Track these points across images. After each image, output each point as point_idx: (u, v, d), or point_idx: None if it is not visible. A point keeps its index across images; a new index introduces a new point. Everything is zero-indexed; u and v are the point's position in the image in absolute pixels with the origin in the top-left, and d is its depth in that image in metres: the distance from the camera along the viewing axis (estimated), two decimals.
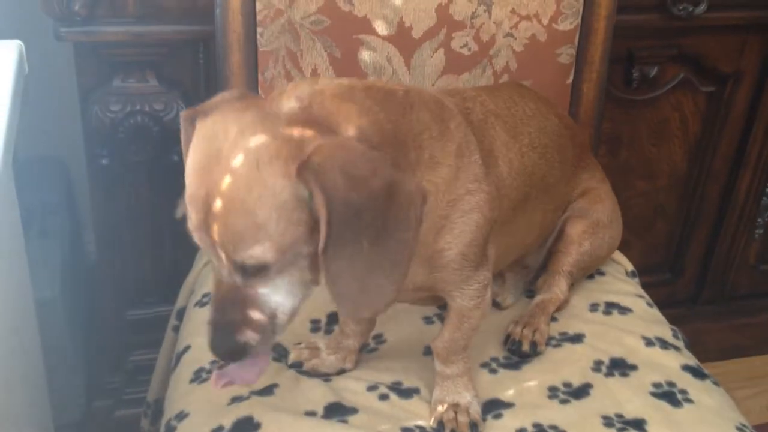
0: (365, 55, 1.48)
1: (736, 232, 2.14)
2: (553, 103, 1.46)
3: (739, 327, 2.25)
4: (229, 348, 0.95)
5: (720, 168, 2.04)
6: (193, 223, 0.94)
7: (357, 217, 0.87)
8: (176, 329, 1.54)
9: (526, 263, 1.47)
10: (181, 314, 1.53)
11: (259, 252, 0.89)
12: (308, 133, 0.90)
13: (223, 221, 0.89)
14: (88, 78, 1.63)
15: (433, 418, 1.20)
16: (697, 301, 2.22)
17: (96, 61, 1.62)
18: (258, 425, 1.15)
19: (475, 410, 1.20)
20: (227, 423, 1.15)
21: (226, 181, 0.88)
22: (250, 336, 0.95)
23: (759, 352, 2.27)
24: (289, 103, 0.94)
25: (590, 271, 1.49)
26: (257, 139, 0.89)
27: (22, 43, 1.34)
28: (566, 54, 1.54)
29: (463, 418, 1.19)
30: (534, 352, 1.33)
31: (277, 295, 0.95)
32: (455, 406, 1.20)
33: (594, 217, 1.42)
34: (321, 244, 0.88)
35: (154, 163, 1.70)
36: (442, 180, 1.07)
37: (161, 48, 1.63)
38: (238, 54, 1.48)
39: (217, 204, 0.89)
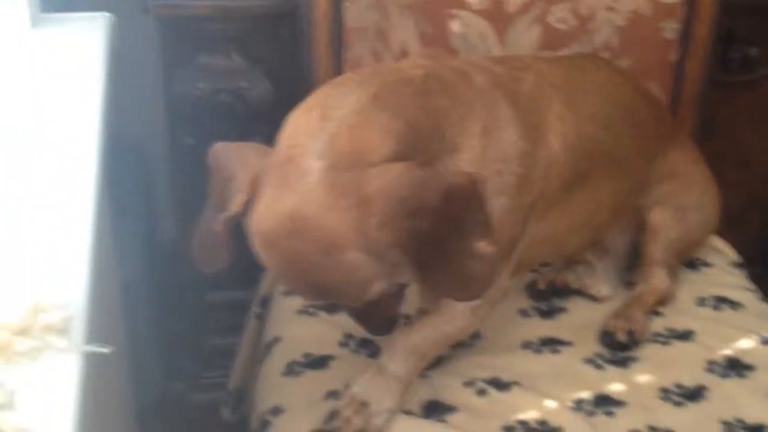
0: (457, 31, 1.41)
1: None
2: (635, 76, 1.39)
3: None
4: (385, 331, 1.08)
5: None
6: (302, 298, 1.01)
7: (431, 236, 0.88)
8: (260, 317, 1.50)
9: (607, 248, 1.39)
10: (264, 302, 1.49)
11: (373, 290, 0.93)
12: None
13: (335, 293, 0.96)
14: (173, 54, 1.59)
15: (331, 407, 1.10)
16: None
17: (180, 36, 1.57)
18: None
19: (379, 424, 1.08)
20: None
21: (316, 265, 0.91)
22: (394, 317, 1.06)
23: None
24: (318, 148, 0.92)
25: (688, 257, 1.42)
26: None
27: (112, 16, 1.30)
28: (670, 29, 1.46)
29: (357, 421, 1.07)
30: (633, 342, 1.26)
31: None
32: (362, 405, 1.08)
33: (679, 201, 1.35)
34: (409, 275, 0.93)
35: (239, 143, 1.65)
36: (466, 163, 1.02)
37: (245, 23, 1.58)
38: (324, 30, 1.43)
39: (321, 286, 0.94)
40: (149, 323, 1.77)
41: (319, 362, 1.22)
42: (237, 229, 1.74)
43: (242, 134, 1.65)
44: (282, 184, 0.92)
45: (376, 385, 1.10)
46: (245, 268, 1.76)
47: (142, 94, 1.81)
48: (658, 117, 1.35)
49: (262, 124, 1.65)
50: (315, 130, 0.94)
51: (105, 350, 0.78)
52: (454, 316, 1.10)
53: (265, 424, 1.14)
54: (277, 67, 1.63)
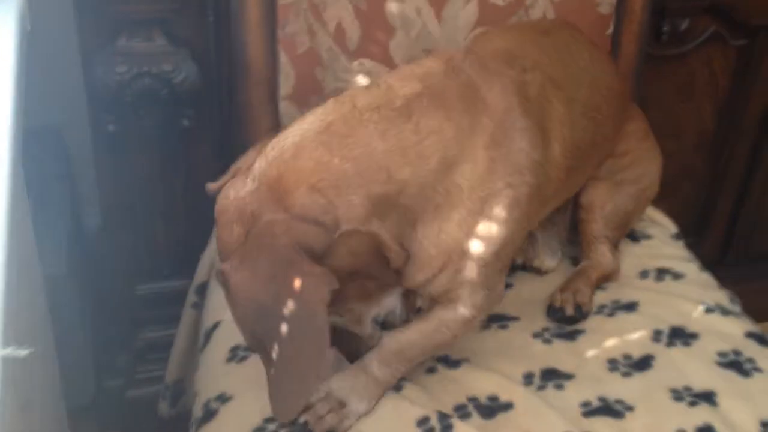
0: (393, 7, 1.38)
1: (763, 192, 2.07)
2: (600, 46, 1.37)
3: (763, 289, 2.18)
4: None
5: (749, 126, 1.96)
6: None
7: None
8: (196, 306, 1.45)
9: (548, 220, 1.38)
10: (201, 290, 1.44)
11: None
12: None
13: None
14: (91, 38, 1.51)
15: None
16: (721, 264, 2.15)
17: (98, 18, 1.50)
18: None
19: (347, 426, 1.05)
20: None
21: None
22: None
23: None
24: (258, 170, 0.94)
25: (627, 228, 1.41)
26: None
27: None
28: (606, 3, 1.45)
29: (330, 420, 1.04)
30: (580, 315, 1.25)
31: None
32: (339, 404, 1.06)
33: (618, 176, 1.34)
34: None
35: (164, 128, 1.59)
36: (466, 179, 1.00)
37: (168, 3, 1.52)
38: (256, 8, 1.37)
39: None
40: (78, 319, 1.70)
41: None
42: (167, 213, 1.69)
43: (167, 120, 1.59)
44: (234, 185, 0.96)
45: (356, 386, 1.07)
46: (178, 257, 1.72)
47: (60, 80, 1.74)
48: (623, 92, 1.35)
49: (189, 108, 1.59)
50: (268, 148, 0.95)
51: (23, 353, 0.72)
52: (447, 325, 1.07)
53: (211, 412, 1.09)
54: (203, 50, 1.57)
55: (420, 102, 0.99)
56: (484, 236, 1.02)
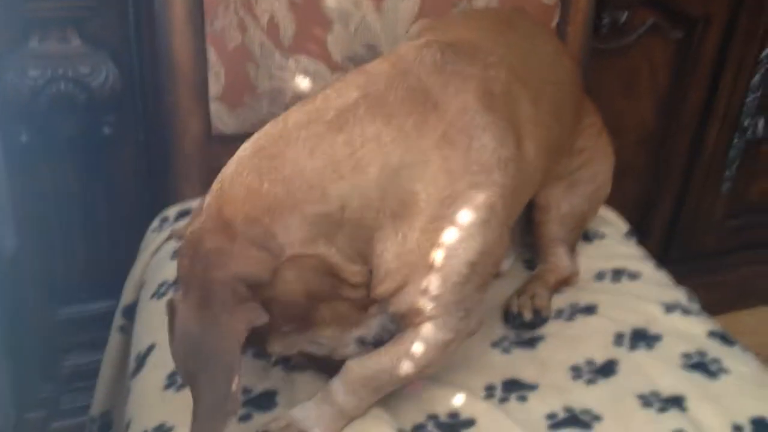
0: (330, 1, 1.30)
1: (704, 187, 2.05)
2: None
3: (705, 285, 2.15)
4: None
5: (689, 120, 1.94)
6: None
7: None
8: (123, 329, 1.34)
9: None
10: (129, 311, 1.33)
11: None
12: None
13: None
14: (0, 39, 1.39)
15: (263, 425, 0.99)
16: (663, 262, 2.12)
17: (7, 18, 1.38)
18: None
19: None
20: None
21: None
22: None
23: (725, 310, 2.20)
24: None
25: (582, 230, 1.35)
26: None
27: None
28: None
29: None
30: (539, 320, 1.19)
31: None
32: None
33: (574, 176, 1.28)
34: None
35: (83, 138, 1.48)
36: (419, 183, 0.92)
37: (84, 0, 1.41)
38: (181, 3, 1.28)
39: None
40: None
41: None
42: (88, 230, 1.58)
43: (86, 128, 1.48)
44: (192, 218, 0.94)
45: (320, 416, 0.98)
46: (102, 277, 1.60)
47: None
48: (580, 85, 1.28)
49: (109, 114, 1.49)
50: (215, 181, 0.93)
51: None
52: (420, 350, 0.97)
53: None
54: (123, 50, 1.47)
55: (355, 111, 0.92)
56: (453, 246, 0.93)
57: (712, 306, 2.23)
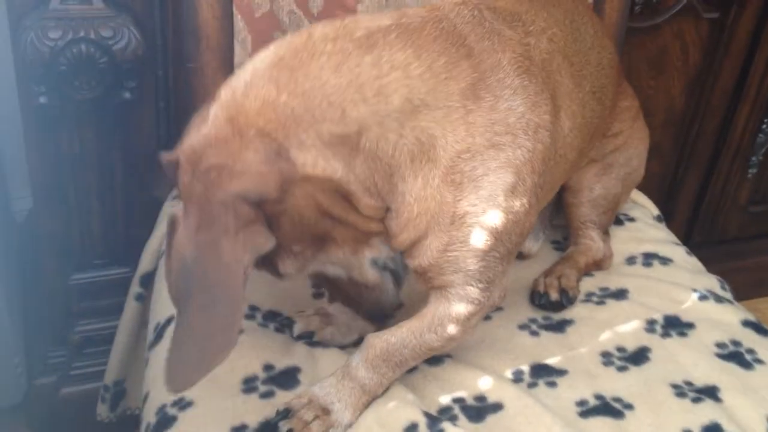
0: None
1: (730, 171, 2.01)
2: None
3: (727, 271, 2.13)
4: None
5: (718, 102, 1.90)
6: None
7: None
8: (140, 297, 1.32)
9: None
10: (146, 280, 1.31)
11: None
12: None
13: None
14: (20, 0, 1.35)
15: (285, 404, 0.96)
16: (686, 245, 2.09)
17: None
18: None
19: None
20: (252, 421, 0.93)
21: None
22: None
23: (747, 296, 2.17)
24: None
25: (615, 213, 1.32)
26: None
27: None
28: None
29: (317, 429, 0.94)
30: (567, 301, 1.16)
31: None
32: (323, 411, 0.95)
33: (608, 159, 1.25)
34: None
35: (102, 101, 1.44)
36: (437, 124, 0.87)
37: None
38: None
39: None
40: (6, 311, 1.54)
41: None
42: (105, 196, 1.55)
43: (106, 92, 1.44)
44: (192, 130, 0.87)
45: (340, 392, 0.96)
46: (117, 244, 1.57)
47: None
48: (619, 66, 1.25)
49: (130, 79, 1.45)
50: (222, 89, 0.86)
51: None
52: (442, 324, 0.94)
53: (169, 419, 0.96)
54: (146, 13, 1.43)
55: (386, 35, 0.87)
56: (475, 211, 0.90)
57: (735, 291, 2.23)
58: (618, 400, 1.02)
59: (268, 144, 0.81)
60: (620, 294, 1.19)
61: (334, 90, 0.83)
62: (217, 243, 0.78)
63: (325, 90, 0.83)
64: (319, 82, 0.83)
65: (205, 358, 0.79)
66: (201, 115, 0.87)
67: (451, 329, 0.94)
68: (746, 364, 1.08)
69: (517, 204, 0.91)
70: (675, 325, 1.14)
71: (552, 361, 1.07)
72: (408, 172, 0.88)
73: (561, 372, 1.06)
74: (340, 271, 0.95)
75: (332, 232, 0.89)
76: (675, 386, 1.04)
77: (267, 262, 0.89)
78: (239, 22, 1.25)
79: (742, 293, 2.17)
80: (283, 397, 0.98)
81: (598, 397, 1.02)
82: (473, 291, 0.93)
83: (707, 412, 1.01)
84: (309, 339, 1.08)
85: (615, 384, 1.04)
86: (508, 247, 0.93)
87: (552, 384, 1.04)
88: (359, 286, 0.96)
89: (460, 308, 0.93)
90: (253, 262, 0.81)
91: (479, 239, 0.90)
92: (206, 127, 0.84)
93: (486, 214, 0.90)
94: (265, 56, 0.86)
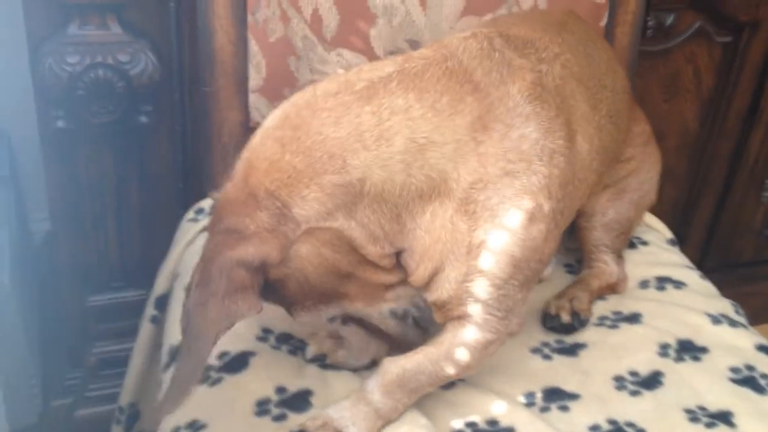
0: None
1: (744, 195, 2.01)
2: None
3: (742, 295, 2.11)
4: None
5: (732, 126, 1.90)
6: None
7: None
8: (155, 320, 1.33)
9: None
10: (161, 302, 1.31)
11: None
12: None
13: None
14: (39, 24, 1.38)
15: (299, 425, 0.96)
16: (700, 269, 2.08)
17: (47, 4, 1.36)
18: None
19: None
20: None
21: None
22: None
23: (762, 320, 2.15)
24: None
25: (629, 237, 1.32)
26: None
27: None
28: None
29: None
30: (579, 323, 1.16)
31: None
32: None
33: (621, 184, 1.25)
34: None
35: (119, 125, 1.46)
36: (446, 160, 0.88)
37: None
38: None
39: None
40: (23, 332, 1.56)
41: (237, 363, 1.05)
42: (121, 219, 1.56)
43: (123, 116, 1.46)
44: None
45: (355, 416, 0.96)
46: (133, 266, 1.58)
47: (5, 71, 1.60)
48: (630, 93, 1.25)
49: (147, 103, 1.47)
50: (253, 135, 0.91)
51: None
52: (459, 352, 0.95)
53: None
54: (163, 38, 1.45)
55: (387, 84, 0.88)
56: (493, 239, 0.90)
57: (749, 316, 2.21)
58: (631, 425, 1.02)
59: (273, 204, 0.84)
60: (633, 318, 1.19)
61: (334, 143, 0.85)
62: (206, 302, 0.82)
63: (325, 144, 0.85)
64: (320, 137, 0.85)
65: (176, 396, 0.84)
66: (234, 167, 0.90)
67: (468, 358, 0.94)
68: (760, 389, 1.08)
69: (535, 230, 0.91)
70: (688, 350, 1.13)
71: (564, 385, 1.07)
72: (417, 209, 0.89)
73: (574, 396, 1.06)
74: (358, 314, 0.97)
75: (341, 288, 0.91)
76: (688, 411, 1.04)
77: (281, 304, 0.92)
78: (254, 46, 1.26)
79: (756, 317, 2.16)
80: (295, 420, 0.98)
81: (611, 422, 1.02)
82: (492, 320, 0.93)
83: None
84: (322, 361, 1.08)
85: (628, 408, 1.04)
86: (526, 275, 0.93)
87: (564, 408, 1.04)
88: (381, 330, 0.98)
89: (478, 337, 0.94)
90: (230, 327, 0.85)
91: (497, 268, 0.91)
92: (230, 182, 0.87)
93: (503, 242, 0.90)
94: (275, 115, 0.89)
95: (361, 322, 1.02)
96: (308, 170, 0.84)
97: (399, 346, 1.00)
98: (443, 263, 0.91)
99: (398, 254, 0.92)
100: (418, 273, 0.92)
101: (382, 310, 0.96)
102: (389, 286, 0.94)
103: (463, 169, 0.89)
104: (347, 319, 1.07)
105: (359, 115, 0.86)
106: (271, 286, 0.87)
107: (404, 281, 0.94)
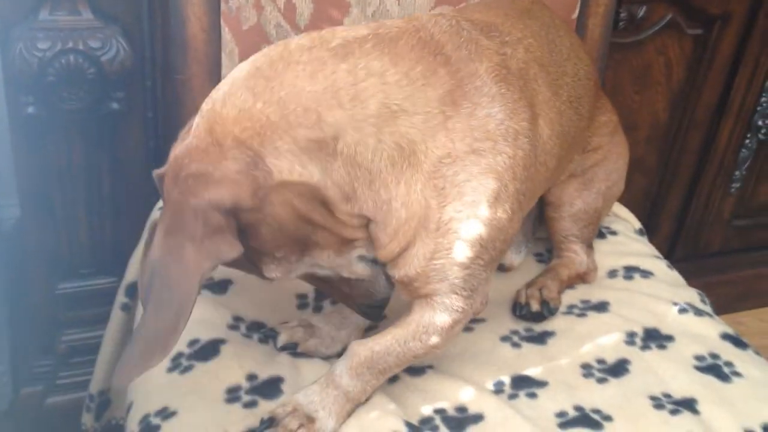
0: None
1: (713, 186, 2.04)
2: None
3: (711, 285, 2.15)
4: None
5: (702, 118, 1.92)
6: None
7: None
8: (126, 307, 1.33)
9: None
10: (132, 290, 1.31)
11: None
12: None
13: None
14: (9, 9, 1.36)
15: (269, 413, 0.97)
16: (669, 259, 2.11)
17: None
18: None
19: None
20: (236, 430, 0.94)
21: None
22: None
23: (731, 309, 2.19)
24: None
25: (597, 226, 1.33)
26: None
27: None
28: None
29: None
30: (548, 312, 1.17)
31: None
32: (307, 420, 0.96)
33: (588, 174, 1.26)
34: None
35: (91, 112, 1.45)
36: (416, 130, 0.88)
37: None
38: None
39: None
40: None
41: (208, 350, 1.06)
42: (92, 206, 1.55)
43: (94, 103, 1.45)
44: (177, 144, 0.88)
45: (325, 400, 0.96)
46: (104, 254, 1.58)
47: None
48: (596, 80, 1.26)
49: (118, 90, 1.46)
50: (204, 101, 0.88)
51: None
52: (426, 332, 0.95)
53: (151, 428, 0.97)
54: (135, 24, 1.44)
55: (362, 44, 0.88)
56: (459, 217, 0.90)
57: (714, 306, 2.24)
58: (597, 411, 1.03)
59: (244, 152, 0.82)
60: (601, 306, 1.21)
61: (309, 96, 0.84)
62: (182, 247, 0.80)
63: (300, 97, 0.84)
64: (294, 90, 0.84)
65: (145, 357, 0.79)
66: (187, 127, 0.89)
67: (435, 338, 0.95)
68: (724, 377, 1.10)
69: (501, 210, 0.92)
70: (654, 338, 1.15)
71: (533, 372, 1.09)
72: (390, 177, 0.88)
73: (541, 383, 1.07)
74: (327, 271, 0.96)
75: (313, 236, 0.90)
76: (653, 398, 1.06)
77: (252, 266, 0.90)
78: (227, 34, 1.26)
79: (725, 307, 2.20)
80: (266, 407, 0.99)
81: (578, 408, 1.04)
82: (457, 299, 0.94)
83: (685, 423, 1.02)
84: (293, 350, 1.09)
85: (594, 396, 1.06)
86: (492, 255, 0.94)
87: (532, 395, 1.05)
88: (350, 280, 0.97)
89: (444, 317, 0.94)
90: (213, 270, 0.83)
91: (464, 247, 0.91)
92: (188, 138, 0.85)
93: (470, 220, 0.91)
94: (243, 67, 0.87)
95: (331, 289, 1.01)
96: (282, 122, 0.83)
97: (369, 296, 0.99)
98: (414, 239, 0.91)
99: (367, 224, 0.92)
100: (390, 247, 0.91)
101: (351, 258, 0.95)
102: (356, 240, 0.93)
103: (431, 142, 0.89)
104: (325, 294, 1.06)
105: (335, 71, 0.85)
106: (243, 232, 0.85)
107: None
